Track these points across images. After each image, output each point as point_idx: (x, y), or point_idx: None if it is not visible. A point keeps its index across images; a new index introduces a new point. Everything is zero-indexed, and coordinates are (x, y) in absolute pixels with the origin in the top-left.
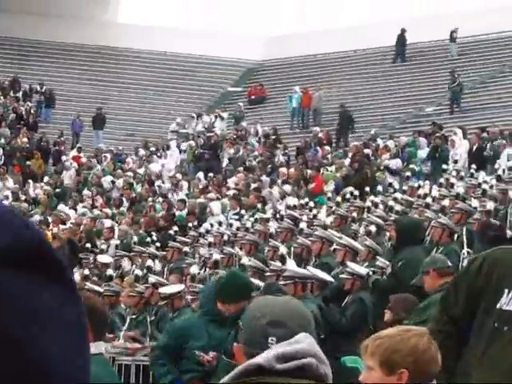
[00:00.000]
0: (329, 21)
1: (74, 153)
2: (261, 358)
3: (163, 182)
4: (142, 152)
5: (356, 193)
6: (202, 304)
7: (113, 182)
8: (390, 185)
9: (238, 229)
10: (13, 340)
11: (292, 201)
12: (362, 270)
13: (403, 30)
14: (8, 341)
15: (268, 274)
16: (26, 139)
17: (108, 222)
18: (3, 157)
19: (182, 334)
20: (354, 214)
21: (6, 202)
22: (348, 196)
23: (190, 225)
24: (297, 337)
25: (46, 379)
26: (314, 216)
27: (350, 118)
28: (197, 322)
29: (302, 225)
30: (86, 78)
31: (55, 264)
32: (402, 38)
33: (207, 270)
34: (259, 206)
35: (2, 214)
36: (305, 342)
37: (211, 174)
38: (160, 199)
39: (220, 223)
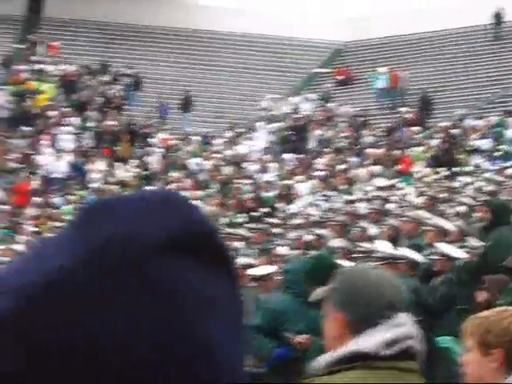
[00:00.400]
0: (413, 1)
1: (162, 135)
2: (367, 345)
3: (251, 164)
4: (229, 134)
5: (445, 173)
6: (290, 285)
7: (200, 164)
8: (477, 166)
9: (327, 210)
10: (179, 325)
11: (380, 181)
12: (453, 251)
13: (500, 9)
14: (174, 327)
15: (356, 255)
16: (114, 122)
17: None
18: (92, 140)
19: (277, 316)
20: (444, 195)
21: (95, 185)
22: (437, 177)
23: (279, 206)
24: (399, 319)
25: (211, 366)
26: (403, 197)
27: (429, 101)
28: (291, 304)
29: (390, 206)
30: (173, 61)
31: (221, 250)
32: (498, 17)
33: (297, 251)
34: (347, 187)
35: (170, 199)
36: (407, 323)
37: (299, 156)
38: (247, 181)
39: (308, 205)
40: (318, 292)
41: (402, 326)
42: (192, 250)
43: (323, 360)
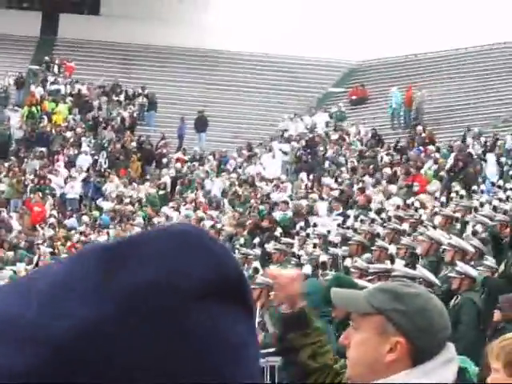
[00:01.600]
0: (427, 19)
1: (177, 155)
2: None
3: (266, 184)
4: (245, 154)
5: (462, 192)
6: (313, 306)
7: (216, 184)
8: (493, 184)
9: (344, 230)
10: (205, 372)
11: (397, 201)
12: (471, 270)
13: None
14: (201, 372)
15: (371, 275)
16: (130, 142)
17: (211, 224)
18: (107, 160)
19: None
20: (459, 214)
21: (110, 205)
22: (453, 195)
23: (298, 226)
24: (451, 349)
25: None
26: (419, 216)
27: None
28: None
29: (405, 225)
30: (188, 81)
31: (249, 295)
32: None
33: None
34: (363, 206)
35: (198, 239)
36: (456, 357)
37: (313, 175)
38: (263, 201)
39: (324, 224)
40: (362, 306)
41: (455, 359)
42: (224, 295)
43: None
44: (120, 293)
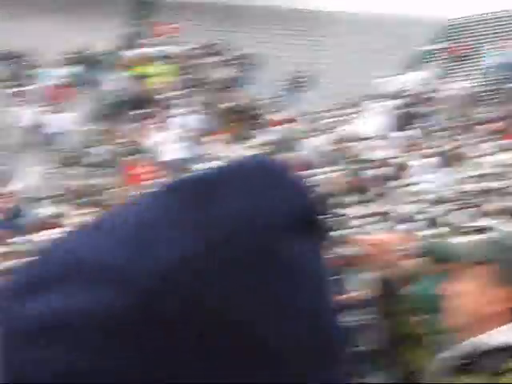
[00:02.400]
0: None
1: (278, 115)
2: None
3: (365, 143)
4: (342, 113)
5: None
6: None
7: (313, 144)
8: None
9: (443, 187)
10: (295, 307)
11: (496, 158)
12: None
13: None
14: (286, 305)
15: (469, 233)
16: (229, 103)
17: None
18: (207, 122)
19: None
20: None
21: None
22: None
23: (394, 184)
24: None
25: (333, 345)
26: None
27: None
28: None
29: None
30: (288, 42)
31: (325, 229)
32: None
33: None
34: (462, 164)
35: (288, 175)
36: None
37: (413, 134)
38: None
39: (423, 182)
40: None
41: None
42: (308, 229)
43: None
44: (210, 227)
